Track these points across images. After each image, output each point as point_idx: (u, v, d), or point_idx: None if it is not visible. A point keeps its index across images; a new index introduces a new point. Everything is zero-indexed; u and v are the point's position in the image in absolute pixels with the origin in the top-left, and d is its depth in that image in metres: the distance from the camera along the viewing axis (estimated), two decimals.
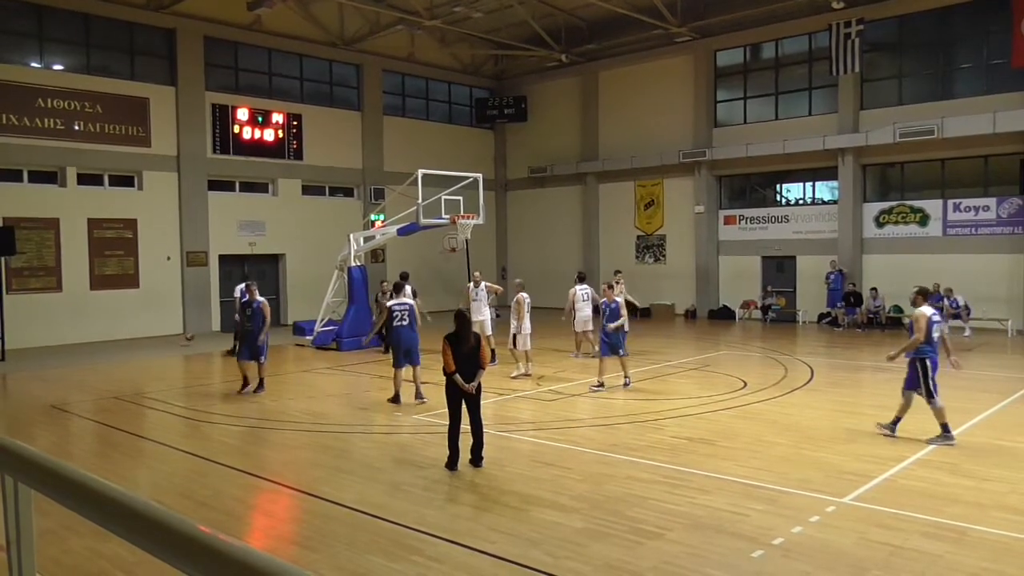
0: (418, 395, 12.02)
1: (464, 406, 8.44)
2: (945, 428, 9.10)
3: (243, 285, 18.84)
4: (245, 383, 13.12)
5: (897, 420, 9.42)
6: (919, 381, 9.18)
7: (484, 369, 8.50)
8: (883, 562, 5.69)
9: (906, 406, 9.38)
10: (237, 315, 14.77)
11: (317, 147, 25.60)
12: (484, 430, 8.59)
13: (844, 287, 22.17)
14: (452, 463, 8.32)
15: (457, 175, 19.39)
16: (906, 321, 9.16)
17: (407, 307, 12.15)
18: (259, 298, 13.15)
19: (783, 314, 23.91)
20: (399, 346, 12.07)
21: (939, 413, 9.11)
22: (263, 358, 13.03)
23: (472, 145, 30.76)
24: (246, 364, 13.06)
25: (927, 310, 9.31)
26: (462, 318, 8.63)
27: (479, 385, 8.47)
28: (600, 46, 27.07)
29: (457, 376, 8.25)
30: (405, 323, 12.05)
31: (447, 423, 8.49)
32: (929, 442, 9.05)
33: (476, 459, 8.40)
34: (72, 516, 2.49)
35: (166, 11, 21.88)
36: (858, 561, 5.72)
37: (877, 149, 22.40)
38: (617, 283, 16.11)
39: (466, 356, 8.33)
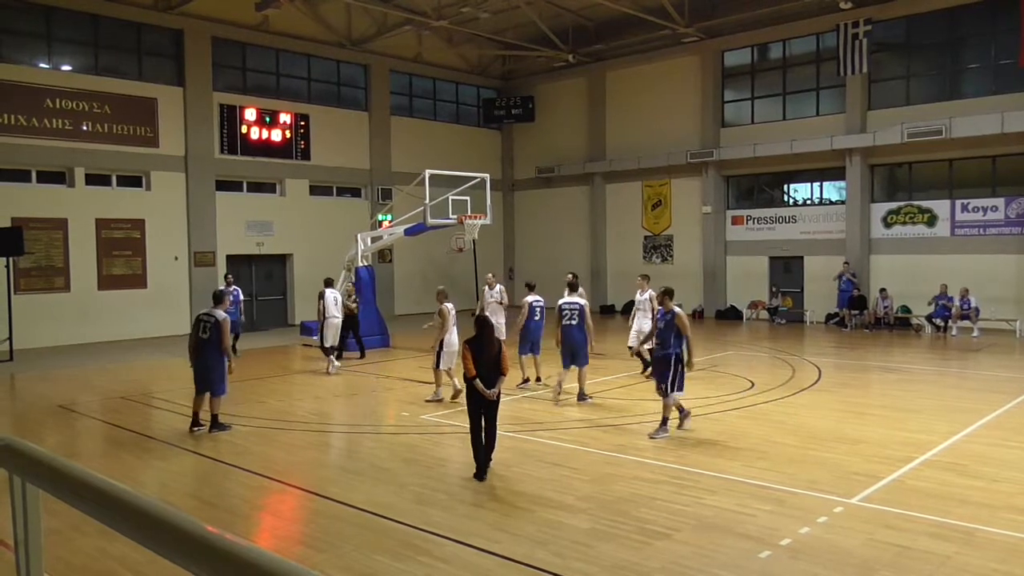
0: (581, 395, 12.07)
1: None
2: (664, 421, 9.68)
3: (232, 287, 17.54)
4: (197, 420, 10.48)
5: (666, 420, 9.74)
6: (668, 375, 9.62)
7: (505, 376, 8.27)
8: (891, 563, 5.67)
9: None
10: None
11: (325, 147, 25.64)
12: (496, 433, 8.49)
13: (852, 289, 22.10)
14: (480, 473, 7.99)
15: (464, 175, 19.39)
16: (671, 318, 9.72)
17: (577, 307, 12.15)
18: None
19: (789, 314, 23.84)
20: (565, 344, 12.04)
21: (667, 408, 9.68)
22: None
23: (479, 145, 30.77)
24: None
25: (680, 309, 9.81)
26: (484, 323, 8.34)
27: (499, 392, 8.24)
28: (607, 46, 27.04)
29: (478, 382, 7.99)
30: (574, 322, 12.06)
31: (457, 425, 8.45)
32: (651, 436, 9.53)
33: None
34: (80, 516, 2.49)
35: (174, 12, 21.94)
36: (866, 562, 5.70)
37: (885, 149, 22.32)
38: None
39: (488, 362, 8.07)
